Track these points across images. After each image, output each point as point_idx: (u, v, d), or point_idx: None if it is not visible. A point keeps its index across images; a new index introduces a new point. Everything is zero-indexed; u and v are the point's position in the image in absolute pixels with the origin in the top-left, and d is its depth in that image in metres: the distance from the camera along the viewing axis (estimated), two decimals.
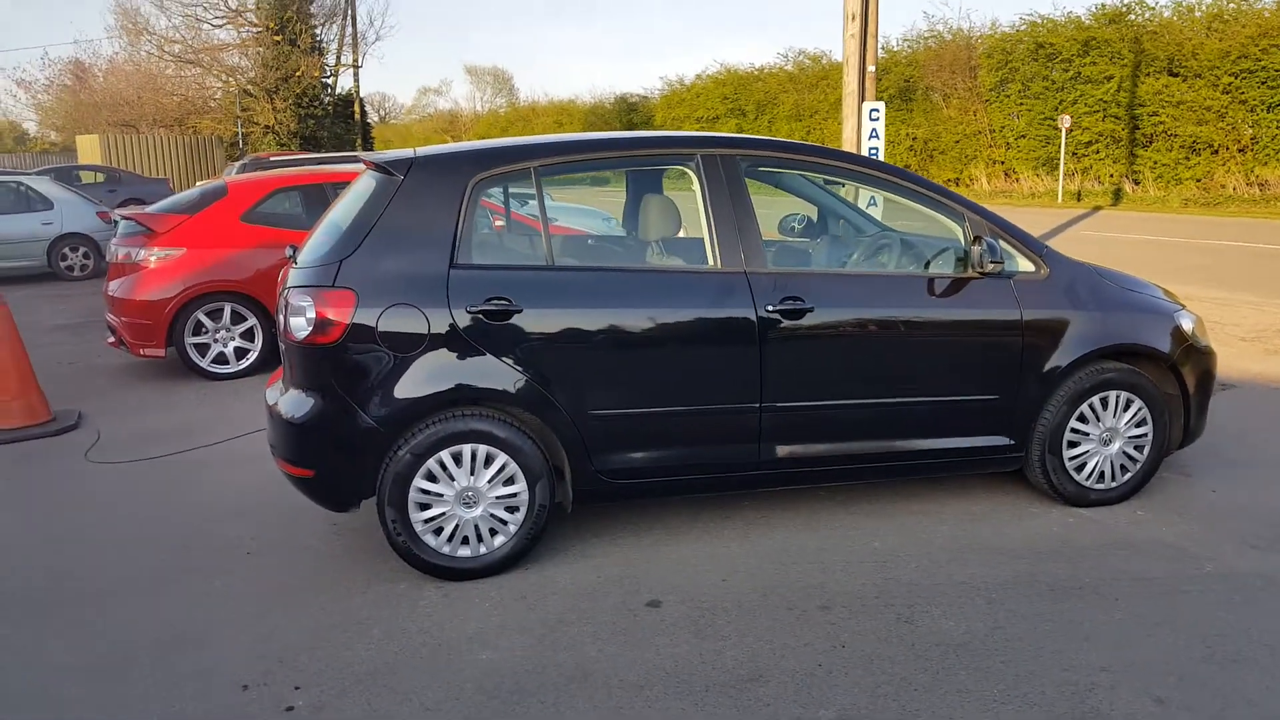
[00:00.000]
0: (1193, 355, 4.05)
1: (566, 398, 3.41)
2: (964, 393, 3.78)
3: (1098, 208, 21.20)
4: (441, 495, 3.38)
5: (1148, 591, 3.27)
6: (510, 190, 4.98)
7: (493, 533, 3.47)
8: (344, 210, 3.66)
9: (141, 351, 6.78)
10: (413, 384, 3.31)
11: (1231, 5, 20.98)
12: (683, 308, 3.48)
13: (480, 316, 3.32)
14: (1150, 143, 22.04)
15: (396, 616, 3.24)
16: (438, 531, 3.42)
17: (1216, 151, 20.83)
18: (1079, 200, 22.57)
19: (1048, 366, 3.82)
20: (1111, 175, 22.83)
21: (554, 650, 2.99)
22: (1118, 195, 22.24)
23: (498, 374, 3.36)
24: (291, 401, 3.45)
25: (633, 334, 3.46)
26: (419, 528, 3.39)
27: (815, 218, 4.78)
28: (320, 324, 3.29)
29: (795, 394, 3.61)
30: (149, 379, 6.96)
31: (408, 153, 3.61)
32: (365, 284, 3.29)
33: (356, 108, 36.16)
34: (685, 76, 40.24)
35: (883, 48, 29.10)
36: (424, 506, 3.38)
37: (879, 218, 4.95)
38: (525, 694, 2.77)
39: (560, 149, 3.62)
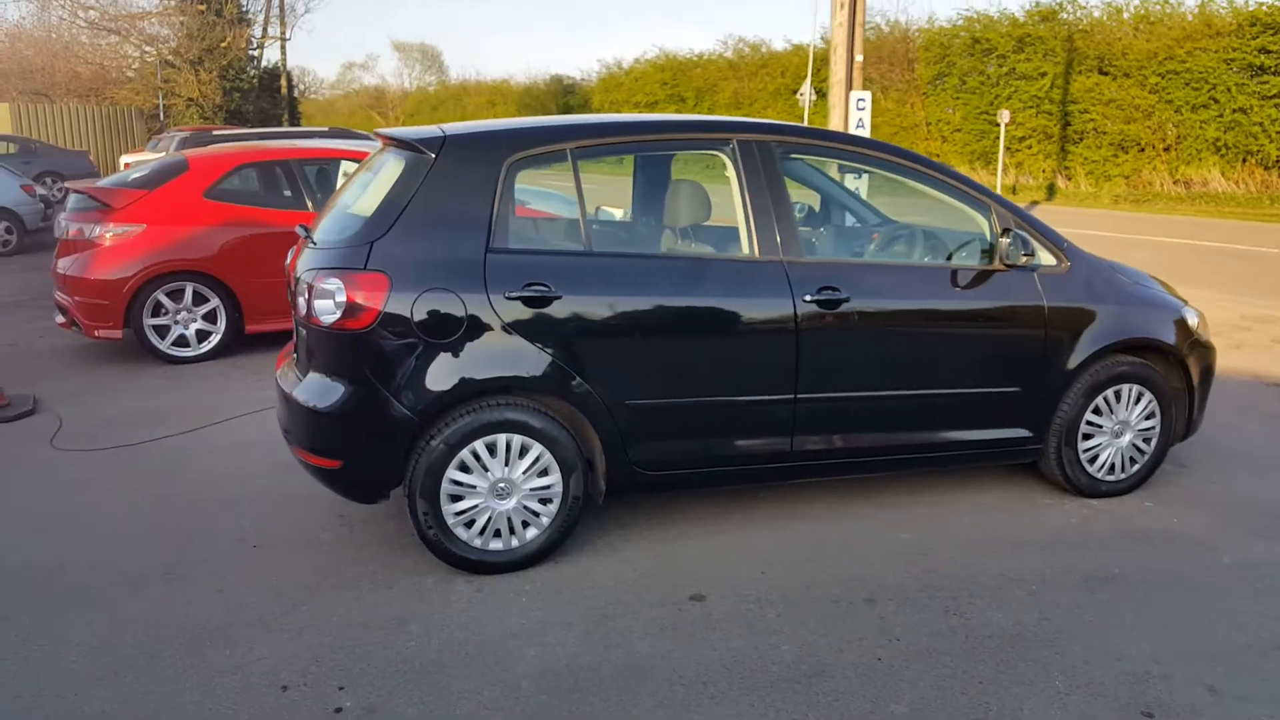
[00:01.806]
0: (1197, 349, 4.16)
1: (604, 387, 3.32)
2: (989, 385, 3.81)
3: (1035, 202, 21.79)
4: (475, 487, 3.26)
5: (1176, 583, 3.34)
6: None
7: (525, 525, 3.37)
8: (368, 189, 3.50)
9: (96, 333, 6.42)
10: (448, 372, 3.18)
11: (1157, 7, 21.76)
12: (722, 296, 3.42)
13: (518, 303, 3.21)
14: (1081, 139, 22.73)
15: (430, 613, 3.12)
16: (469, 524, 3.30)
17: (1143, 150, 21.61)
18: (1014, 194, 23.16)
19: (1068, 359, 3.87)
20: (1044, 170, 23.50)
21: (604, 646, 2.91)
22: (1051, 190, 22.91)
23: (535, 362, 3.24)
24: (315, 389, 3.28)
25: (671, 322, 3.38)
26: (451, 520, 3.27)
27: (817, 207, 4.75)
28: (351, 308, 3.13)
29: (829, 385, 3.58)
30: (104, 362, 6.60)
31: (434, 130, 3.45)
32: (399, 267, 3.14)
33: (283, 81, 35.01)
34: (623, 60, 40.12)
35: (822, 38, 29.41)
36: (456, 498, 3.26)
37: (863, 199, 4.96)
38: (585, 691, 2.69)
39: (598, 130, 3.51)
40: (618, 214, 5.64)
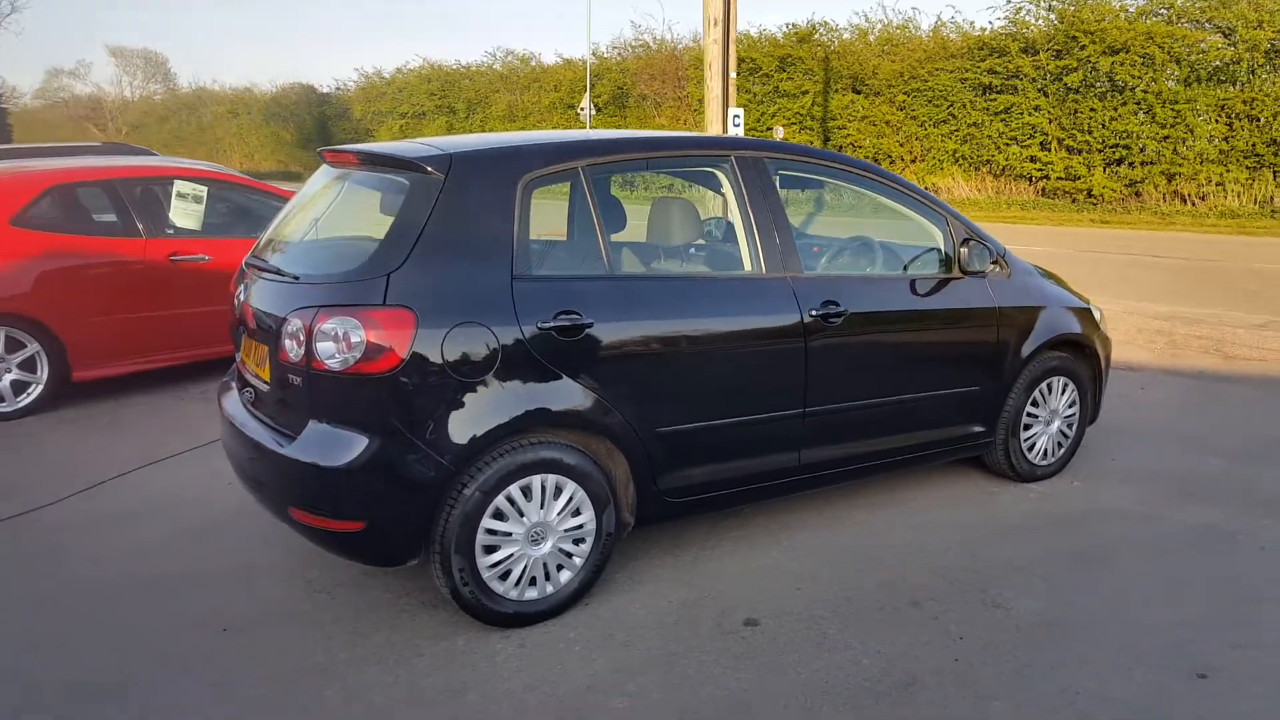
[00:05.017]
0: (1100, 340, 4.63)
1: (635, 416, 3.18)
2: (958, 385, 4.04)
3: (810, 214, 23.37)
4: (510, 534, 3.01)
5: (1148, 552, 3.69)
6: None
7: (559, 569, 3.15)
8: (349, 215, 3.14)
9: None
10: (482, 412, 2.91)
11: (899, 31, 24.09)
12: (742, 315, 3.38)
13: (551, 333, 3.00)
14: (840, 153, 24.70)
15: (481, 678, 2.84)
16: (504, 576, 3.04)
17: (894, 161, 23.81)
18: (788, 205, 24.70)
19: (1014, 357, 4.18)
20: None
21: (692, 686, 2.78)
22: (819, 202, 24.65)
23: (569, 395, 3.05)
24: (322, 442, 2.88)
25: (698, 345, 3.30)
26: (486, 574, 2.99)
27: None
28: (371, 350, 2.78)
29: (830, 397, 3.63)
30: None
31: (428, 148, 3.15)
32: (424, 301, 2.84)
33: None
34: (383, 69, 38.83)
35: (593, 54, 29.95)
36: (490, 549, 2.99)
37: None
38: None
39: (608, 148, 3.35)
40: None
